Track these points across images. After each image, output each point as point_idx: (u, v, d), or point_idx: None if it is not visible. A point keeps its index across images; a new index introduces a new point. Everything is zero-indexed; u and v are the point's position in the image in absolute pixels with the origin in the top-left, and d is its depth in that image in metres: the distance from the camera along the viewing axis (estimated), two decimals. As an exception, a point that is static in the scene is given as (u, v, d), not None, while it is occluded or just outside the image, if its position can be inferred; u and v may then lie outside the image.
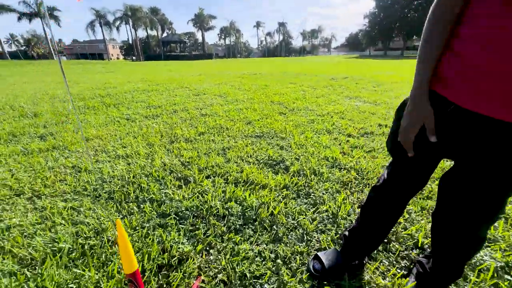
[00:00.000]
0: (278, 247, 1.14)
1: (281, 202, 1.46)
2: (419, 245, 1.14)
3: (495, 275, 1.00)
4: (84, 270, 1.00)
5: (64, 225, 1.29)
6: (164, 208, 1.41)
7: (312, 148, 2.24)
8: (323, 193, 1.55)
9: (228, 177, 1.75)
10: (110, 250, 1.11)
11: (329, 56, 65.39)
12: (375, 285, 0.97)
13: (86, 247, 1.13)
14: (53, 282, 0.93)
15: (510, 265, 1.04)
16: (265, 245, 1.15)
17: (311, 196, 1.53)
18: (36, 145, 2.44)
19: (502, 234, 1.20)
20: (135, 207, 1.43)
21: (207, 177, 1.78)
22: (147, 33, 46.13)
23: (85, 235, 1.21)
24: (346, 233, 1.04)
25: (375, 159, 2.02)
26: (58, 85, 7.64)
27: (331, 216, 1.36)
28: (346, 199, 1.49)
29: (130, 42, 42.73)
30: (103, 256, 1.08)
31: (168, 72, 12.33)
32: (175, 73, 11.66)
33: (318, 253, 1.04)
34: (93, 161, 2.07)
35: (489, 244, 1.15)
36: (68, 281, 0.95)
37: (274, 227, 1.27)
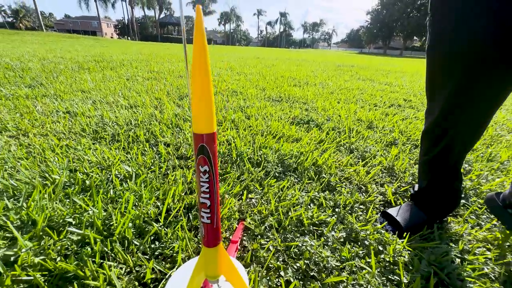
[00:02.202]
0: (334, 195, 0.91)
1: (324, 153, 1.22)
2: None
3: None
4: (87, 205, 0.74)
5: (57, 160, 1.01)
6: (183, 151, 1.15)
7: (341, 111, 2.01)
8: (369, 149, 1.32)
9: (253, 129, 1.50)
10: (120, 187, 0.85)
11: (329, 50, 64.87)
12: (471, 238, 0.75)
13: (88, 182, 0.86)
14: (44, 215, 0.67)
15: None
16: (317, 193, 0.92)
17: (356, 151, 1.30)
18: (23, 92, 2.11)
19: None
20: (148, 148, 1.16)
21: (230, 128, 1.53)
22: (144, 12, 44.31)
23: (85, 171, 0.94)
24: (418, 187, 0.82)
25: (415, 125, 1.80)
26: (49, 52, 7.10)
27: (386, 170, 1.13)
28: (398, 156, 1.26)
29: (126, 21, 40.94)
30: (112, 192, 0.82)
31: (166, 50, 11.82)
32: (173, 50, 11.18)
33: (388, 210, 0.81)
34: (92, 108, 1.77)
35: None
36: (65, 215, 0.69)
37: (323, 175, 1.03)
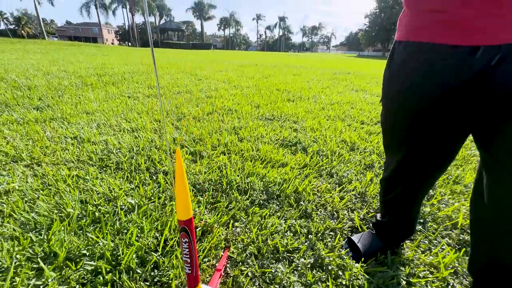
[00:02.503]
0: (309, 222, 1.06)
1: (305, 179, 1.37)
2: (459, 226, 1.08)
3: None
4: (98, 237, 0.89)
5: (70, 192, 1.17)
6: (180, 180, 1.30)
7: (327, 131, 2.16)
8: (347, 173, 1.47)
9: (244, 154, 1.65)
10: (124, 218, 1.00)
11: (328, 53, 65.33)
12: (419, 262, 0.89)
13: (97, 214, 1.01)
14: (63, 248, 0.82)
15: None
16: (294, 220, 1.07)
17: (335, 176, 1.45)
18: (33, 115, 2.27)
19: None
20: (148, 178, 1.31)
21: (222, 153, 1.68)
22: (145, 18, 44.88)
23: (94, 203, 1.09)
24: (379, 218, 0.95)
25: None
26: (51, 63, 7.31)
27: (359, 196, 1.28)
28: (372, 180, 1.41)
29: (126, 27, 41.45)
30: (118, 224, 0.97)
31: (166, 58, 12.02)
32: (173, 58, 11.39)
33: (352, 237, 0.95)
34: (96, 133, 1.93)
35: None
36: (80, 247, 0.84)
37: (301, 203, 1.18)
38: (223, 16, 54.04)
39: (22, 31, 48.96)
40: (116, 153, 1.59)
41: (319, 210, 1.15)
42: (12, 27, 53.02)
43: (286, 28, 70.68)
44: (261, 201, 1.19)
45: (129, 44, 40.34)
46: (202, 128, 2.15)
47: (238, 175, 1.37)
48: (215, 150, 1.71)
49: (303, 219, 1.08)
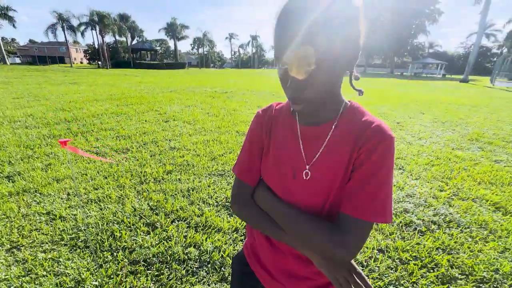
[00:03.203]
0: (223, 285, 1.55)
1: (231, 245, 1.87)
2: None
3: None
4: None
5: (47, 276, 1.55)
6: (135, 256, 1.73)
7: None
8: (264, 235, 1.99)
9: (190, 221, 2.12)
10: (90, 298, 1.42)
11: (299, 69, 68.59)
12: None
13: (69, 296, 1.42)
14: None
15: None
16: (214, 284, 1.55)
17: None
18: (5, 187, 2.56)
19: (381, 265, 1.74)
20: (109, 256, 1.73)
21: (172, 221, 2.13)
22: (115, 38, 44.40)
23: (67, 286, 1.49)
24: None
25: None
26: (15, 101, 7.28)
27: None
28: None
29: (96, 46, 40.68)
30: (85, 304, 1.38)
31: (137, 86, 12.19)
32: (144, 86, 11.54)
33: None
34: (66, 206, 2.29)
35: (370, 273, 1.68)
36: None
37: (223, 268, 1.67)
38: (196, 36, 55.16)
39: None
40: (84, 230, 1.98)
41: (235, 272, 1.65)
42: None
43: (259, 46, 73.61)
44: (195, 269, 1.66)
45: (99, 63, 39.47)
46: (161, 191, 2.59)
47: (180, 245, 1.83)
48: (168, 218, 2.16)
49: (220, 283, 1.57)
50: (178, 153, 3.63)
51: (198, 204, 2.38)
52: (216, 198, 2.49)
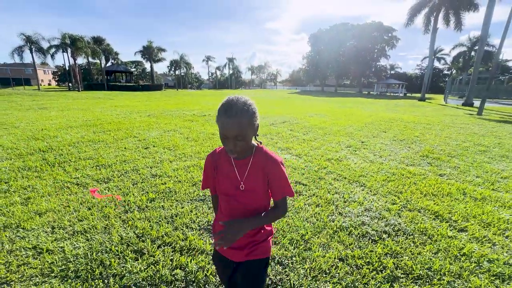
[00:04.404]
0: (208, 301, 1.77)
1: (214, 264, 2.10)
2: (293, 286, 1.91)
3: None
4: None
5: (41, 308, 1.67)
6: (125, 281, 1.90)
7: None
8: (243, 253, 2.26)
9: (175, 246, 2.33)
10: (86, 323, 1.57)
11: (275, 90, 71.63)
12: None
13: (66, 323, 1.56)
14: None
15: None
16: (199, 301, 1.77)
17: (235, 257, 2.22)
18: (-15, 224, 2.57)
19: (341, 271, 2.08)
20: (101, 283, 1.88)
21: (159, 246, 2.32)
22: (88, 61, 43.47)
23: (62, 314, 1.62)
24: None
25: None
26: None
27: (245, 272, 2.06)
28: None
29: (67, 67, 39.40)
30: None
31: (113, 110, 12.07)
32: (121, 111, 11.45)
33: None
34: (52, 239, 2.38)
35: (332, 279, 2.00)
36: None
37: (206, 285, 1.90)
38: (173, 59, 55.81)
39: None
40: (74, 261, 2.10)
41: (218, 288, 1.88)
42: None
43: (236, 68, 76.02)
44: (181, 288, 1.87)
45: (70, 85, 38.05)
46: (145, 219, 2.76)
47: (167, 268, 2.04)
48: (154, 244, 2.35)
49: (205, 299, 1.79)
50: (160, 180, 3.81)
51: (182, 229, 2.59)
52: (198, 223, 2.72)
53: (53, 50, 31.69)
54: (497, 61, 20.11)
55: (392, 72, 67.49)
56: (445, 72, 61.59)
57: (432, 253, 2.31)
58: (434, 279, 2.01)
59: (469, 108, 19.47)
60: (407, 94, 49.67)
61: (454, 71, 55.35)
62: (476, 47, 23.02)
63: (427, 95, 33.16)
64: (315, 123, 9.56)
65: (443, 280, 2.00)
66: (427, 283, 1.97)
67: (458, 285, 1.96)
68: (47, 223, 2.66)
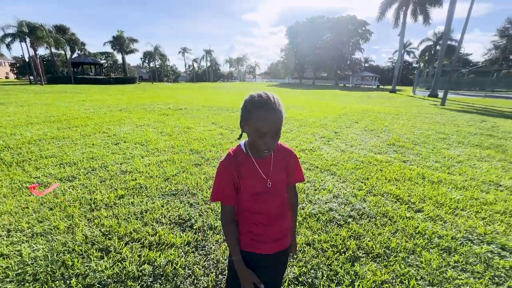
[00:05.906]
0: (176, 293, 1.78)
1: (183, 257, 2.11)
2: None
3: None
4: None
5: (-6, 314, 1.57)
6: (89, 280, 1.84)
7: (214, 203, 3.00)
8: (213, 244, 2.28)
9: (144, 242, 2.29)
10: (44, 325, 1.51)
11: (254, 82, 71.26)
12: None
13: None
14: None
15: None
16: (167, 293, 1.77)
17: (205, 248, 2.24)
18: None
19: (308, 255, 2.18)
20: (62, 284, 1.81)
21: (126, 243, 2.27)
22: (51, 52, 40.06)
23: (18, 318, 1.54)
24: None
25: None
26: None
27: (216, 262, 2.09)
28: (226, 248, 2.25)
29: (27, 59, 35.98)
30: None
31: (81, 105, 11.32)
32: (89, 105, 10.82)
33: None
34: (8, 243, 2.23)
35: (299, 263, 2.09)
36: None
37: (175, 278, 1.90)
38: (146, 50, 53.14)
39: None
40: (32, 263, 1.99)
41: (186, 280, 1.89)
42: None
43: (213, 60, 74.35)
44: (149, 283, 1.85)
45: (31, 79, 34.89)
46: (113, 216, 2.67)
47: (135, 264, 2.00)
48: (122, 241, 2.29)
49: (173, 291, 1.79)
50: (130, 176, 3.69)
51: (152, 225, 2.55)
52: (169, 217, 2.69)
53: (8, 39, 28.73)
54: (458, 54, 21.61)
55: (366, 65, 70.03)
56: (414, 65, 65.14)
57: (391, 233, 2.49)
58: (391, 256, 2.18)
59: (434, 99, 20.87)
60: (380, 86, 51.98)
61: (421, 64, 58.72)
62: (441, 42, 24.53)
63: (397, 87, 34.93)
64: (291, 115, 9.71)
65: (399, 256, 2.17)
66: (385, 260, 2.14)
67: (412, 260, 2.15)
68: (1, 226, 2.47)
